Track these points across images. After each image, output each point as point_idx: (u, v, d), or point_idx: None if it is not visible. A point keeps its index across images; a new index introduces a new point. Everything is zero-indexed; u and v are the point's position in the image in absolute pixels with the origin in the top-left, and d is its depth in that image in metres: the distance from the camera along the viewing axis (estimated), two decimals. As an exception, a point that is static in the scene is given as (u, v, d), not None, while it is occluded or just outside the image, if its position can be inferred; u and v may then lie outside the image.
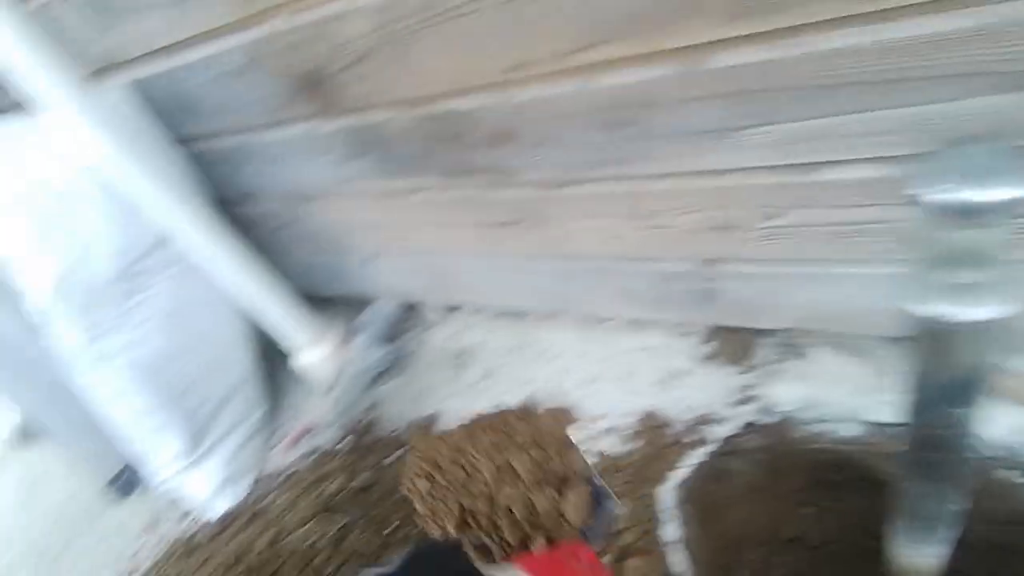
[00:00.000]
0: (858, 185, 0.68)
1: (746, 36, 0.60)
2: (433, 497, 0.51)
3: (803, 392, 0.96)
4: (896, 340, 0.88)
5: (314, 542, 0.91)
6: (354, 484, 1.05)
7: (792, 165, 0.69)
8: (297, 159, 1.03)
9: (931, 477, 0.60)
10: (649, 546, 0.89)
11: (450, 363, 1.29)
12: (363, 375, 1.27)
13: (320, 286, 1.35)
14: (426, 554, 0.49)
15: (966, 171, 0.36)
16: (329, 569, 0.91)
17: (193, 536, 1.24)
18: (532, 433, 0.52)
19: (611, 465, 0.99)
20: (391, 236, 1.13)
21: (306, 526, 0.93)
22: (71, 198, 1.03)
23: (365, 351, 1.28)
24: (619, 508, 0.65)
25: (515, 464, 0.49)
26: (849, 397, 0.92)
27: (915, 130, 0.60)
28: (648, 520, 0.91)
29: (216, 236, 1.08)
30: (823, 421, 0.98)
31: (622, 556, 0.89)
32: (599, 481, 0.53)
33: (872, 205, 0.69)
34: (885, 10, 0.54)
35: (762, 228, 0.78)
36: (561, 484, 0.49)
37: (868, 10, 0.55)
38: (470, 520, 0.49)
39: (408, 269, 1.21)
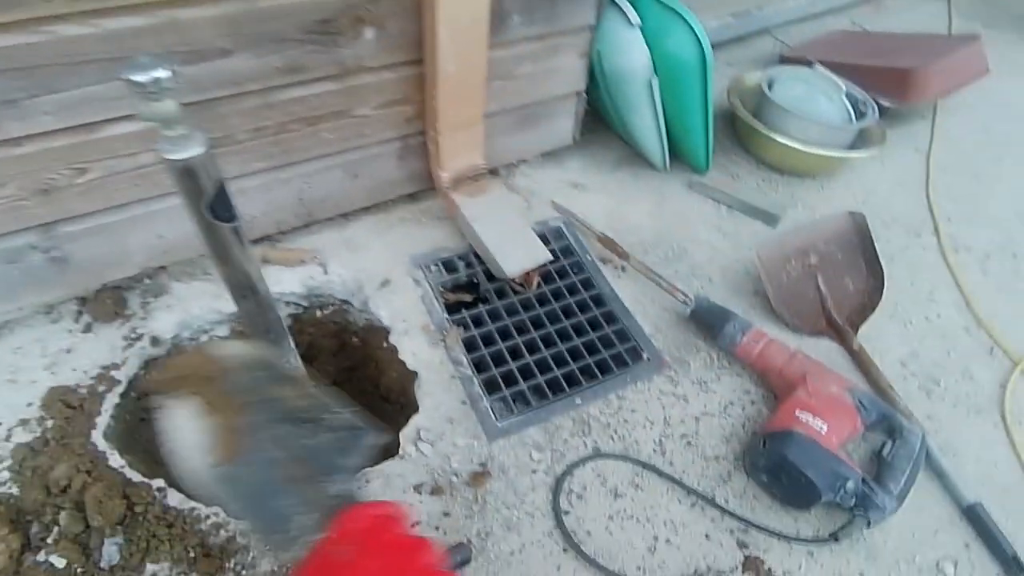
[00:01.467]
0: (135, 136, 0.99)
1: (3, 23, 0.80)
2: None
3: (177, 317, 1.23)
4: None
5: None
6: None
7: (81, 126, 0.94)
8: None
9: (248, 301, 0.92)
10: (109, 476, 1.00)
11: None
12: None
13: None
14: None
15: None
16: None
17: None
18: None
19: (30, 450, 1.01)
20: None
21: None
22: None
23: None
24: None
25: None
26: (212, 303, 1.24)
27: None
28: (93, 459, 1.01)
29: None
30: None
31: (85, 487, 0.97)
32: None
33: (150, 151, 1.01)
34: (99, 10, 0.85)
35: (79, 184, 0.99)
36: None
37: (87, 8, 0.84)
38: None
39: None
